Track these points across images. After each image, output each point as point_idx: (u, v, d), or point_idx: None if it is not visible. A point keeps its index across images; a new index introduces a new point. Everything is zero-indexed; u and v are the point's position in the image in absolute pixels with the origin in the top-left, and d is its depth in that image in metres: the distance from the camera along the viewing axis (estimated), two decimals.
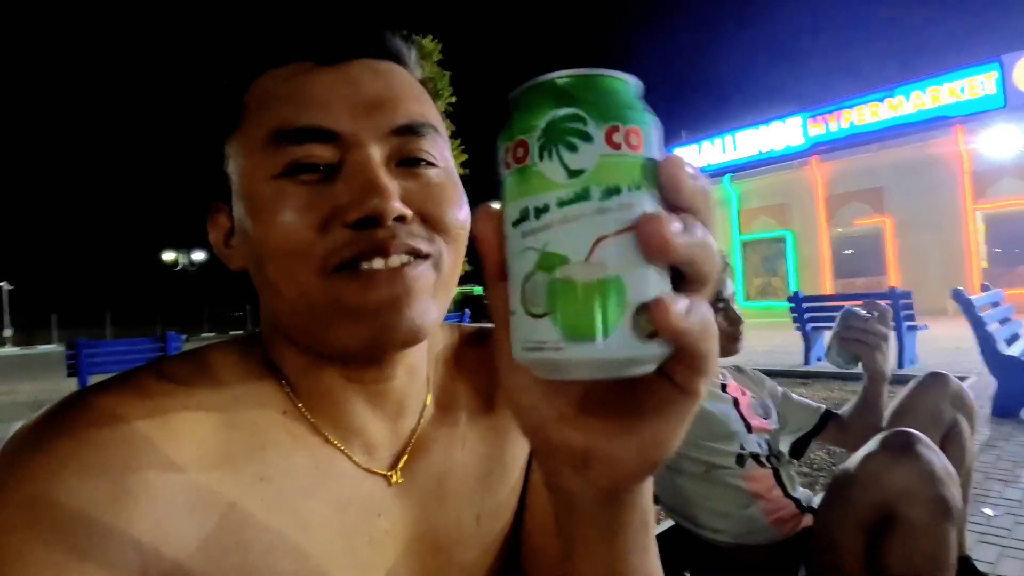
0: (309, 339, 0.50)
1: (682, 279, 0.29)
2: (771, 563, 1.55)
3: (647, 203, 0.28)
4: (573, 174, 0.28)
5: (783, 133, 19.59)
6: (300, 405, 0.53)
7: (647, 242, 0.27)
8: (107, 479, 0.42)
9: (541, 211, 0.28)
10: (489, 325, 0.68)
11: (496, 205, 0.31)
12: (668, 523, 1.78)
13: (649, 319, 0.27)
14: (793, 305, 8.01)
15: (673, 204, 0.28)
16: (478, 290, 43.08)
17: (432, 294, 0.49)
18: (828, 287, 18.14)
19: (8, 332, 36.81)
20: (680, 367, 0.29)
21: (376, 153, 0.48)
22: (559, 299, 0.28)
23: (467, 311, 10.35)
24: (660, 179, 0.28)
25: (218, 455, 0.47)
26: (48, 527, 0.40)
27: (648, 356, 0.28)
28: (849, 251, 18.27)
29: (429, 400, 0.60)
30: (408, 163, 0.50)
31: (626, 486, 0.35)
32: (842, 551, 1.36)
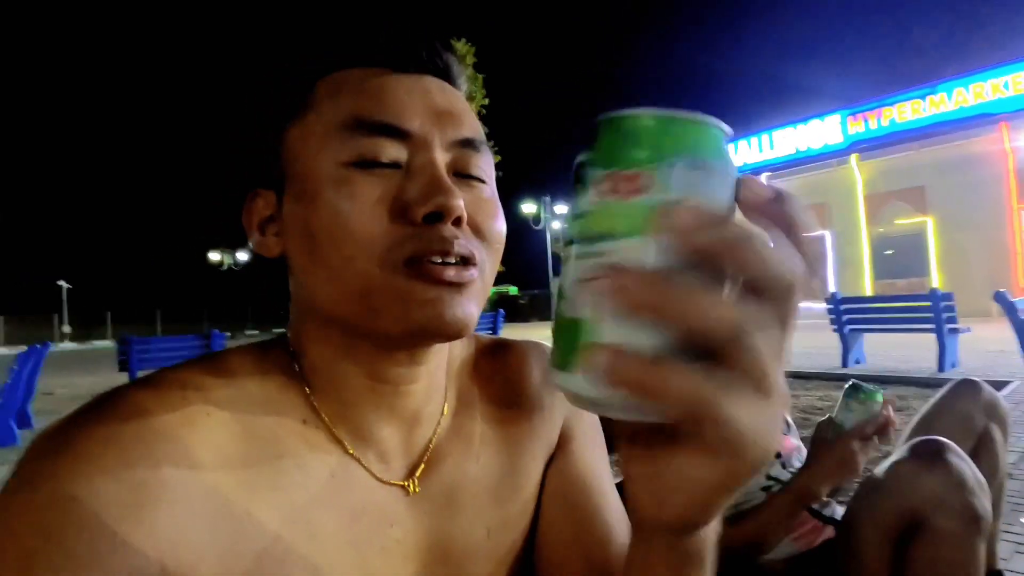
0: (356, 322, 0.50)
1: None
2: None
3: (637, 250, 0.27)
4: (576, 217, 0.30)
5: (822, 131, 19.24)
6: (320, 411, 0.53)
7: (609, 291, 0.26)
8: (130, 480, 0.42)
9: (565, 244, 0.31)
10: (506, 338, 0.73)
11: None
12: None
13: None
14: (831, 306, 7.82)
15: (683, 256, 0.27)
16: (513, 290, 43.10)
17: (476, 297, 0.51)
18: (868, 288, 17.80)
19: (67, 329, 38.69)
20: (694, 431, 0.28)
21: (441, 158, 0.51)
22: (554, 330, 0.31)
23: (501, 311, 10.46)
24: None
25: (236, 463, 0.48)
26: (72, 528, 0.40)
27: (611, 402, 0.27)
28: (890, 251, 17.87)
29: (446, 410, 0.61)
30: (463, 176, 0.53)
31: (654, 530, 0.36)
32: (867, 560, 1.33)
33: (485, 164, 0.55)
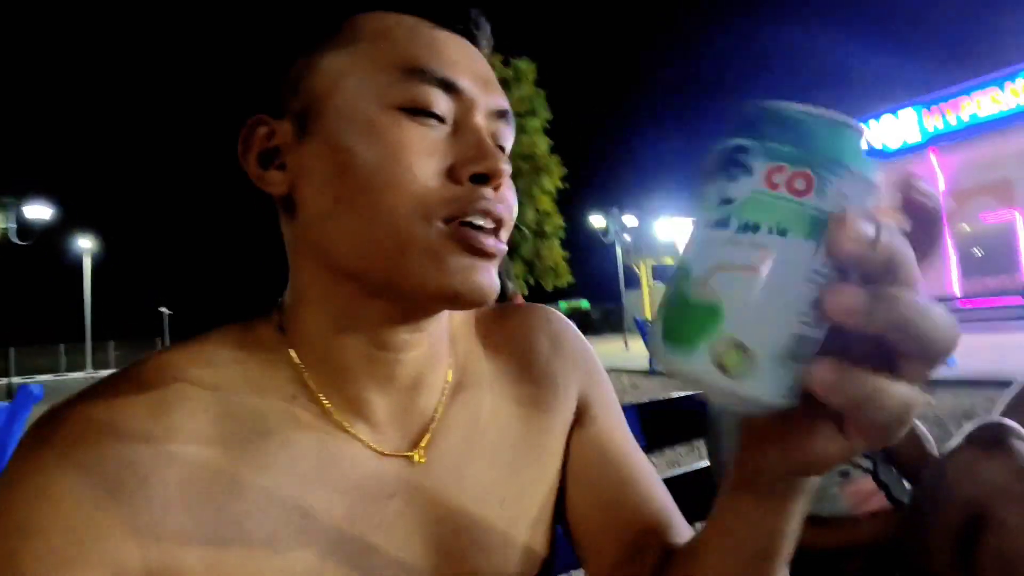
0: (383, 277, 0.48)
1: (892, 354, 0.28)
2: (866, 572, 1.49)
3: (792, 251, 0.27)
4: (723, 201, 0.28)
5: (896, 127, 18.54)
6: (311, 385, 0.52)
7: (828, 302, 0.27)
8: (106, 471, 0.43)
9: (695, 225, 0.30)
10: (511, 303, 0.71)
11: None
12: None
13: (733, 355, 0.27)
14: None
15: (842, 265, 0.28)
16: (585, 304, 42.43)
17: (497, 267, 0.51)
18: (955, 288, 17.01)
19: None
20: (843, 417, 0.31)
21: (484, 123, 0.51)
22: (670, 303, 0.30)
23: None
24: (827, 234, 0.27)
25: (217, 446, 0.47)
26: (50, 523, 0.41)
27: (728, 389, 0.28)
28: (977, 249, 17.04)
29: (450, 377, 0.59)
30: (496, 146, 0.52)
31: (772, 477, 0.38)
32: (932, 554, 1.29)
33: (511, 139, 0.55)
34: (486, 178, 0.48)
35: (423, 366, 0.55)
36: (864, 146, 0.29)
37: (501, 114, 0.53)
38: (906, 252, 0.28)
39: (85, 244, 37.43)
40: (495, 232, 0.50)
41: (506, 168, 0.49)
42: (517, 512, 0.59)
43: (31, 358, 36.48)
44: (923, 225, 0.33)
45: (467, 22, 0.54)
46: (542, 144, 26.15)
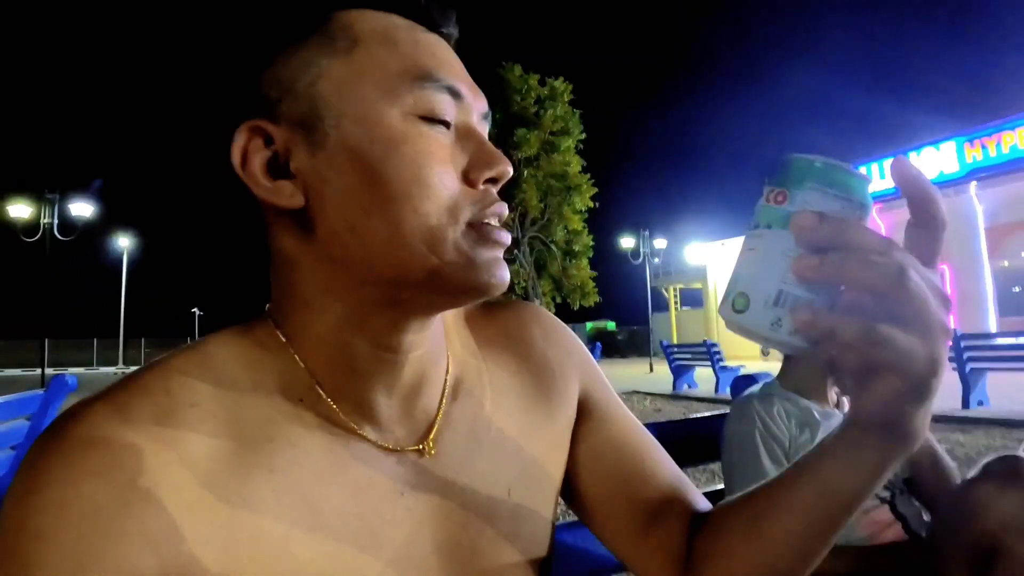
0: (412, 280, 0.49)
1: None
2: None
3: (774, 238, 0.42)
4: (755, 213, 0.44)
5: (936, 159, 18.24)
6: (319, 388, 0.52)
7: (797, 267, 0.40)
8: (118, 480, 0.43)
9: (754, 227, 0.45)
10: (505, 300, 0.72)
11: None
12: None
13: (740, 300, 0.42)
14: (950, 344, 7.38)
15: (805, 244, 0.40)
16: (611, 325, 42.12)
17: None
18: (993, 325, 16.56)
19: None
20: (868, 356, 0.39)
21: (479, 127, 0.54)
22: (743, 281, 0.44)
23: (598, 344, 10.74)
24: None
25: (226, 450, 0.48)
26: (65, 531, 0.41)
27: (739, 322, 0.42)
28: (1016, 287, 16.64)
29: (450, 368, 0.61)
30: None
31: (865, 426, 0.46)
32: None
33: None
34: (495, 180, 0.52)
35: (425, 365, 0.56)
36: (832, 173, 0.42)
37: (486, 115, 0.55)
38: (846, 229, 0.39)
39: (124, 242, 38.46)
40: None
41: (511, 171, 0.53)
42: (524, 499, 0.61)
43: (66, 351, 37.43)
44: (919, 205, 0.43)
45: (451, 25, 0.55)
46: (574, 163, 26.24)
